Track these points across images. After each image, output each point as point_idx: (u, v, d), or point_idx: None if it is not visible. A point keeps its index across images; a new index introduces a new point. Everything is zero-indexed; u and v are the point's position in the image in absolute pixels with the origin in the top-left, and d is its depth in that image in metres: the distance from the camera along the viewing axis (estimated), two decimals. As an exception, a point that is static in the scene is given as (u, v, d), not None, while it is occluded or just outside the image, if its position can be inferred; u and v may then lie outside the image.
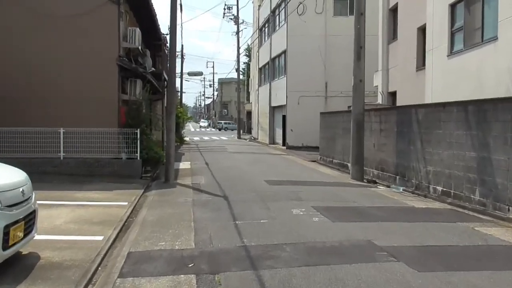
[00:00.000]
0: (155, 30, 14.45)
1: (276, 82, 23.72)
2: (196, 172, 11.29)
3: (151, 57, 14.24)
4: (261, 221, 5.73)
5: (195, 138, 30.44)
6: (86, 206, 6.48)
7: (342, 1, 20.40)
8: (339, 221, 5.77)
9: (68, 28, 9.76)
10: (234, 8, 35.49)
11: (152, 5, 12.38)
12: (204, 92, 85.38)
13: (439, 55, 9.88)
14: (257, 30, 29.64)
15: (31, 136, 9.34)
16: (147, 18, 13.04)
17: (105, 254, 4.37)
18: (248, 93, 40.75)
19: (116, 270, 3.95)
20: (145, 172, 10.21)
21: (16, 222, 3.67)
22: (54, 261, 4.04)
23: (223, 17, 35.42)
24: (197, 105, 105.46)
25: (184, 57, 33.26)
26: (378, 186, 9.44)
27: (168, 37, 13.17)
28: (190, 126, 55.87)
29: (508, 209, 5.92)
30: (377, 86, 14.76)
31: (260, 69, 29.01)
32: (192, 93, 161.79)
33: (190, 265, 4.01)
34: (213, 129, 56.34)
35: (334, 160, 13.36)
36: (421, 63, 11.50)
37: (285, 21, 21.26)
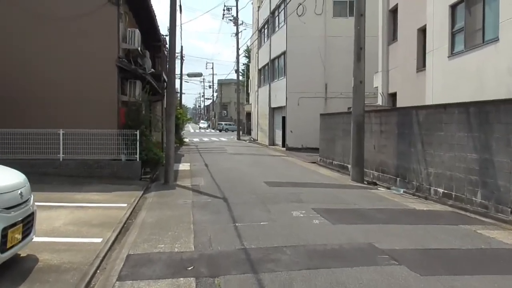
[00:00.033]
0: (155, 31, 14.43)
1: (275, 83, 23.70)
2: (195, 174, 11.25)
3: (151, 58, 14.22)
4: (261, 223, 5.69)
5: (195, 139, 30.41)
6: (85, 208, 6.44)
7: (341, 2, 20.41)
8: (339, 223, 5.74)
9: (67, 29, 9.74)
10: (234, 9, 35.45)
11: (152, 6, 12.36)
12: (203, 93, 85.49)
13: (440, 56, 9.86)
14: (257, 31, 29.64)
15: (30, 137, 9.31)
16: (146, 19, 13.02)
17: (103, 257, 4.33)
18: (248, 94, 40.76)
19: (114, 273, 3.91)
20: (144, 174, 10.17)
21: (14, 224, 3.64)
22: (53, 263, 4.00)
23: (223, 18, 35.43)
24: (197, 106, 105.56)
25: (184, 58, 33.28)
26: (379, 188, 9.40)
27: (167, 38, 13.15)
28: (189, 127, 55.87)
29: (511, 212, 5.88)
30: (377, 87, 14.75)
31: (259, 70, 29.00)
32: (191, 94, 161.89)
33: (190, 268, 3.97)
34: (212, 130, 56.33)
35: (334, 162, 13.33)
36: (422, 64, 11.49)
37: (284, 22, 21.26)
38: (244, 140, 30.05)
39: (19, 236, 3.71)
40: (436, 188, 7.70)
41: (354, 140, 10.26)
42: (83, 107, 9.75)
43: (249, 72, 39.86)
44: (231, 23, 34.80)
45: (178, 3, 11.45)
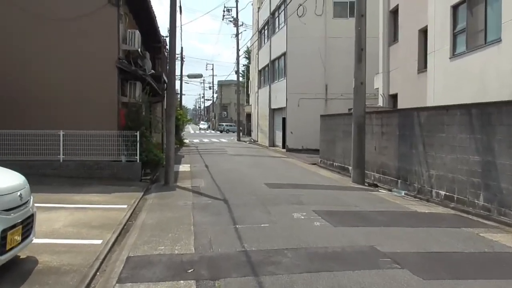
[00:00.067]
0: (155, 32, 14.42)
1: (276, 84, 23.69)
2: (195, 175, 11.22)
3: (151, 59, 14.20)
4: (262, 225, 5.66)
5: (195, 140, 30.40)
6: (85, 209, 6.42)
7: (342, 3, 20.40)
8: (341, 225, 5.71)
9: (67, 30, 9.72)
10: (234, 10, 35.53)
11: (152, 8, 12.35)
12: (203, 94, 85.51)
13: (441, 57, 9.84)
14: (257, 32, 29.65)
15: (31, 138, 9.28)
16: (146, 21, 13.01)
17: (103, 259, 4.31)
18: (248, 95, 40.76)
19: (114, 275, 3.88)
20: (144, 175, 10.14)
21: (14, 226, 3.62)
22: (52, 265, 3.98)
23: (223, 19, 35.46)
24: (197, 107, 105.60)
25: (184, 59, 33.27)
26: (380, 190, 9.37)
27: (167, 40, 13.14)
28: (189, 128, 55.90)
29: (513, 214, 5.85)
30: (377, 88, 14.72)
31: (259, 71, 29.00)
32: (191, 95, 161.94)
33: (190, 271, 3.95)
34: (212, 131, 56.33)
35: (334, 163, 13.29)
36: (423, 65, 11.46)
37: (284, 23, 21.25)
38: (244, 141, 30.03)
39: (18, 238, 3.69)
40: (438, 191, 7.67)
41: (355, 142, 10.23)
42: (83, 108, 9.73)
43: (249, 73, 39.87)
44: (231, 24, 34.84)
45: (178, 4, 11.44)
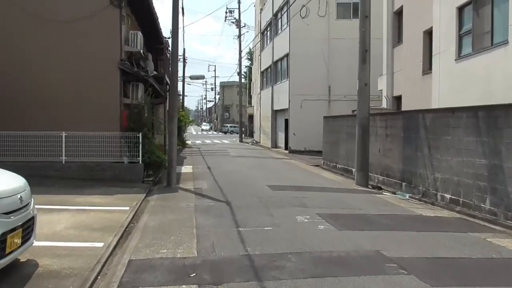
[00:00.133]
0: (157, 33, 14.41)
1: (278, 86, 23.64)
2: (198, 177, 11.17)
3: (153, 60, 14.19)
4: (265, 228, 5.59)
5: (197, 142, 30.38)
6: (87, 211, 6.37)
7: (345, 4, 20.34)
8: (345, 229, 5.63)
9: (69, 32, 9.69)
10: (236, 11, 35.47)
11: (154, 9, 12.33)
12: (205, 95, 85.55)
13: (447, 59, 9.75)
14: (259, 34, 29.62)
15: (33, 139, 9.26)
16: (148, 22, 12.99)
17: (105, 262, 4.25)
18: (250, 97, 40.72)
19: (116, 279, 3.83)
20: (147, 176, 10.10)
21: (14, 229, 3.57)
22: (53, 269, 3.93)
23: (225, 21, 35.54)
24: (199, 109, 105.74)
25: (186, 60, 33.31)
26: (384, 193, 9.28)
27: (170, 41, 13.11)
28: (192, 130, 55.87)
29: (520, 219, 5.75)
30: (381, 90, 14.64)
31: (262, 72, 28.96)
32: (194, 96, 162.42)
33: (192, 275, 3.89)
34: (214, 132, 56.34)
35: (337, 165, 13.21)
36: (428, 67, 11.37)
37: (287, 24, 21.21)
38: (246, 143, 29.98)
39: (18, 241, 3.65)
40: (443, 194, 7.57)
41: (359, 144, 10.15)
42: (85, 109, 9.71)
43: (251, 74, 39.84)
44: (234, 26, 34.84)
45: (180, 5, 11.42)
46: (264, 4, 28.13)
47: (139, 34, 11.13)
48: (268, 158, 18.00)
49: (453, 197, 7.28)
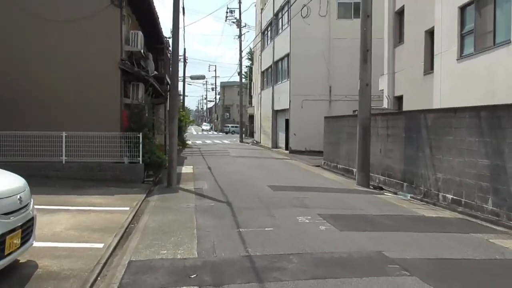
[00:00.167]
0: (158, 33, 14.38)
1: (279, 86, 23.61)
2: (198, 177, 11.14)
3: (154, 60, 14.16)
4: (266, 229, 5.56)
5: (197, 142, 30.36)
6: (87, 212, 6.35)
7: (346, 4, 20.30)
8: (347, 230, 5.60)
9: (70, 31, 9.66)
10: (237, 11, 35.45)
11: (155, 8, 12.29)
12: (206, 95, 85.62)
13: (448, 59, 9.71)
14: (260, 34, 29.60)
15: (33, 139, 9.23)
16: (149, 22, 12.96)
17: (105, 263, 4.22)
18: (251, 97, 40.70)
19: (116, 280, 3.80)
20: (147, 177, 10.07)
21: (13, 230, 3.54)
22: (52, 270, 3.90)
23: (226, 21, 35.52)
24: (199, 109, 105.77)
25: (187, 60, 33.27)
26: (385, 193, 9.24)
27: (170, 41, 13.09)
28: (192, 130, 55.89)
29: (523, 219, 5.71)
30: (382, 90, 14.59)
31: (262, 72, 28.93)
32: (194, 96, 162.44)
33: (193, 276, 3.86)
34: (215, 133, 56.31)
35: (338, 165, 13.17)
36: (429, 67, 11.33)
37: (288, 24, 21.18)
38: (247, 143, 29.96)
39: (18, 242, 3.62)
40: (445, 194, 7.53)
41: (360, 144, 10.11)
42: (85, 109, 9.68)
43: (252, 74, 39.82)
44: (234, 26, 34.86)
45: (181, 5, 11.39)
46: (265, 4, 28.10)
47: (140, 33, 11.10)
48: (269, 159, 17.97)
49: (455, 197, 7.24)
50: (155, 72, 13.65)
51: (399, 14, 13.62)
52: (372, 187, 9.89)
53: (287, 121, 21.39)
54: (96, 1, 9.79)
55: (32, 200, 4.04)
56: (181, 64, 29.60)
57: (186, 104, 42.30)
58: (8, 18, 9.62)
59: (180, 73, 27.22)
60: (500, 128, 6.22)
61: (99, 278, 3.86)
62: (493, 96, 7.66)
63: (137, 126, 10.02)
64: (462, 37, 9.32)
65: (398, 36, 13.68)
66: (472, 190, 6.78)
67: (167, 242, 4.93)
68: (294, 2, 18.42)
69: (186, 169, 13.06)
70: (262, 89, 29.11)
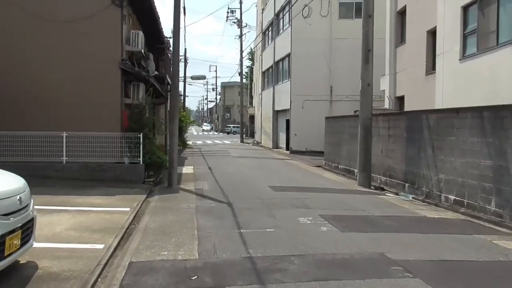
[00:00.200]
0: (158, 33, 14.36)
1: (279, 86, 23.58)
2: (199, 177, 11.11)
3: (154, 60, 14.14)
4: (267, 230, 5.53)
5: (198, 142, 30.35)
6: (87, 212, 6.32)
7: (347, 4, 20.26)
8: (348, 231, 5.56)
9: (70, 31, 9.64)
10: (238, 11, 35.42)
11: (155, 8, 12.27)
12: (207, 96, 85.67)
13: (451, 59, 9.67)
14: (261, 34, 29.57)
15: (33, 140, 9.21)
16: (150, 21, 12.94)
17: (105, 264, 4.20)
18: (251, 97, 40.68)
19: (116, 282, 3.78)
20: (148, 177, 10.05)
21: (13, 231, 3.52)
22: (52, 271, 3.88)
23: (226, 21, 35.38)
24: (200, 109, 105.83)
25: (187, 61, 33.26)
26: (387, 194, 9.20)
27: (171, 41, 13.07)
28: (193, 130, 55.91)
29: (526, 221, 5.66)
30: (383, 90, 14.56)
31: (263, 72, 28.91)
32: (195, 97, 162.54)
33: (194, 278, 3.83)
34: (216, 133, 56.30)
35: (339, 166, 13.13)
36: (431, 67, 11.29)
37: (289, 24, 21.15)
38: (247, 143, 29.94)
39: (18, 243, 3.60)
40: (447, 195, 7.49)
41: (361, 144, 10.07)
42: (85, 109, 9.65)
43: (252, 74, 39.80)
44: (235, 26, 34.78)
45: (182, 5, 11.36)
46: (266, 4, 28.07)
47: (140, 33, 11.07)
48: (269, 159, 17.94)
49: (457, 198, 7.20)
50: (156, 72, 13.62)
51: (401, 14, 13.58)
52: (373, 188, 9.86)
53: (288, 121, 21.36)
54: (97, 1, 9.77)
55: (32, 200, 4.02)
56: (181, 64, 29.63)
57: (186, 104, 42.25)
58: (8, 18, 9.59)
59: (181, 73, 27.24)
60: (503, 129, 6.18)
61: (99, 279, 3.84)
62: (496, 96, 7.61)
63: (137, 126, 10.00)
64: (464, 37, 9.27)
65: (400, 36, 13.64)
66: (475, 191, 6.74)
67: (167, 243, 4.91)
68: (295, 2, 18.37)
69: (187, 169, 13.03)
70: (263, 89, 29.08)
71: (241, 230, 5.46)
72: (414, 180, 8.65)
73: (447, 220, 6.55)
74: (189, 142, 26.35)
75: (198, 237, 5.14)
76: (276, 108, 24.18)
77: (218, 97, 67.67)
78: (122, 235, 5.23)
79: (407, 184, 8.94)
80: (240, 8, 33.88)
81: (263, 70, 28.89)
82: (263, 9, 29.11)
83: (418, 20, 12.04)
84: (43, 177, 8.87)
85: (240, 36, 33.82)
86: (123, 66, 9.86)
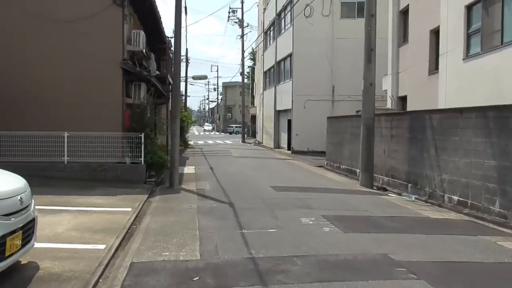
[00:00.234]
0: (160, 33, 14.34)
1: (281, 86, 23.54)
2: (200, 177, 11.09)
3: (156, 60, 14.12)
4: (269, 230, 5.50)
5: (200, 142, 30.34)
6: (89, 212, 6.30)
7: (349, 4, 20.20)
8: (351, 231, 5.52)
9: (71, 31, 9.62)
10: (239, 11, 35.42)
11: (157, 8, 12.24)
12: (208, 96, 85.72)
13: (454, 59, 9.61)
14: (262, 34, 29.54)
15: (35, 140, 9.19)
16: (151, 21, 12.92)
17: (106, 265, 4.18)
18: (253, 97, 40.67)
19: (117, 282, 3.76)
20: (149, 177, 10.03)
21: (14, 231, 3.50)
22: (53, 272, 3.86)
23: (228, 21, 35.44)
24: (201, 109, 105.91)
25: (189, 61, 33.28)
26: (389, 194, 9.16)
27: (172, 41, 13.05)
28: (194, 130, 55.93)
29: (531, 222, 5.61)
30: (386, 90, 14.50)
31: (265, 72, 28.88)
32: (196, 97, 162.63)
33: (195, 279, 3.80)
34: (217, 133, 56.31)
35: (341, 166, 13.09)
36: (434, 67, 11.23)
37: (291, 23, 21.11)
38: (249, 143, 29.92)
39: (19, 244, 3.58)
40: (450, 196, 7.44)
41: (364, 144, 10.03)
42: (86, 109, 9.63)
43: (254, 74, 39.78)
44: (237, 26, 34.79)
45: (183, 5, 11.34)
46: (268, 3, 28.04)
47: (142, 33, 11.05)
48: (271, 159, 17.91)
49: (461, 199, 7.14)
50: (157, 72, 13.61)
51: (404, 14, 13.52)
52: (375, 188, 9.81)
53: (289, 121, 21.32)
54: (98, 0, 9.75)
55: (33, 200, 4.00)
56: (183, 64, 29.61)
57: (188, 104, 42.26)
58: (8, 18, 9.56)
59: (182, 73, 27.22)
60: (508, 129, 6.13)
61: (100, 280, 3.82)
62: (500, 96, 7.55)
63: (139, 126, 9.98)
64: (468, 37, 9.21)
65: (403, 36, 13.58)
66: (479, 192, 6.68)
67: (169, 243, 4.88)
68: (297, 1, 18.32)
69: (188, 169, 13.01)
70: (264, 89, 29.05)
71: (243, 231, 5.43)
72: (417, 180, 8.60)
73: (451, 221, 6.50)
74: (191, 142, 26.35)
75: (200, 237, 5.11)
76: (278, 108, 24.15)
77: (220, 97, 67.70)
78: (124, 236, 5.20)
79: (409, 185, 8.89)
80: (242, 8, 33.91)
81: (264, 70, 28.86)
82: (264, 9, 29.08)
83: (421, 20, 11.98)
84: (45, 177, 8.85)
85: (242, 36, 33.82)
86: (124, 66, 9.84)
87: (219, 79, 67.93)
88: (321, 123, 15.93)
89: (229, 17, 34.79)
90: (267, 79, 28.26)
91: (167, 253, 4.52)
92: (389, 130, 10.03)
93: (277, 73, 24.67)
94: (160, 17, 13.15)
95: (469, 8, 9.16)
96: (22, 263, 3.94)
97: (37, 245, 4.04)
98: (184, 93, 31.54)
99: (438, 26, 10.58)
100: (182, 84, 28.81)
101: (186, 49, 33.45)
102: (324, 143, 15.34)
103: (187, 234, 5.27)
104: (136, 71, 10.33)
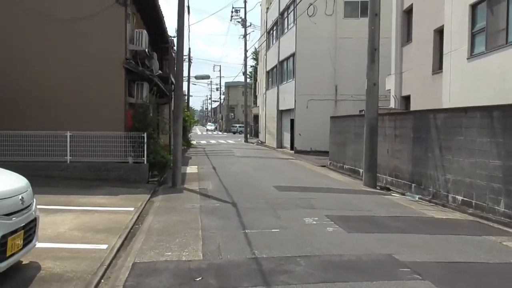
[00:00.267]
0: (162, 32, 14.33)
1: (284, 86, 23.49)
2: (203, 177, 11.07)
3: (158, 60, 14.12)
4: (272, 230, 5.47)
5: (202, 142, 30.35)
6: (91, 212, 6.29)
7: (352, 3, 20.12)
8: (355, 232, 5.48)
9: (74, 31, 9.60)
10: (242, 11, 35.39)
11: (159, 7, 12.24)
12: (211, 95, 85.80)
13: (458, 58, 9.53)
14: (265, 33, 29.50)
15: (37, 139, 9.20)
16: (154, 21, 12.92)
17: (108, 265, 4.16)
18: (255, 97, 40.65)
19: (119, 283, 3.73)
20: (152, 177, 10.02)
21: (15, 231, 3.48)
22: (55, 272, 3.84)
23: (231, 20, 35.48)
24: (204, 109, 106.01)
25: (191, 60, 33.26)
26: (393, 194, 9.10)
27: (175, 40, 13.04)
28: (197, 130, 56.07)
29: (537, 222, 5.53)
30: (389, 90, 14.42)
31: (267, 72, 28.83)
32: (199, 96, 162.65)
33: (198, 279, 3.77)
34: (220, 133, 56.35)
35: (345, 166, 13.03)
36: (438, 66, 11.15)
37: (294, 23, 21.05)
38: (251, 143, 29.89)
39: (20, 243, 3.56)
40: (454, 196, 7.37)
41: (367, 144, 9.97)
42: (89, 108, 9.62)
43: (256, 74, 39.75)
44: (239, 25, 34.75)
45: (186, 4, 11.33)
46: (271, 3, 27.99)
47: (144, 32, 11.05)
48: (274, 159, 17.87)
49: (465, 199, 7.07)
50: (160, 72, 13.60)
51: (407, 13, 13.43)
52: (379, 188, 9.75)
53: (292, 121, 21.27)
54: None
55: (34, 200, 3.98)
56: (185, 64, 29.64)
57: (190, 104, 42.38)
58: (8, 18, 9.55)
59: (185, 73, 27.23)
60: (513, 128, 6.06)
61: (102, 280, 3.80)
62: (505, 95, 7.47)
63: (141, 125, 9.96)
64: (473, 36, 9.13)
65: (406, 35, 13.50)
66: (483, 192, 6.62)
67: (171, 243, 4.86)
68: (300, 1, 18.28)
69: (191, 169, 13.00)
70: (267, 89, 29.01)
71: (246, 231, 5.40)
72: (420, 180, 8.53)
73: (455, 221, 6.44)
74: (193, 142, 26.36)
75: (203, 237, 5.08)
76: (281, 108, 24.10)
77: (222, 96, 67.73)
78: (126, 236, 5.18)
79: (413, 185, 8.82)
80: (245, 8, 33.95)
81: (267, 69, 28.82)
82: (267, 8, 29.03)
83: (425, 19, 11.90)
84: (47, 177, 8.86)
85: (244, 36, 33.79)
86: (127, 65, 9.83)
87: (221, 78, 67.91)
88: (324, 123, 15.88)
89: (232, 16, 34.80)
90: (270, 79, 28.22)
91: (170, 253, 4.50)
92: (392, 130, 9.97)
93: (279, 73, 24.62)
94: (163, 16, 13.14)
95: (473, 6, 9.08)
96: (23, 263, 3.93)
97: (39, 245, 4.02)
98: (186, 93, 31.58)
99: (442, 25, 10.49)
100: (185, 84, 28.88)
101: (189, 48, 33.51)
102: (327, 143, 15.29)
103: (189, 234, 5.25)
104: (139, 70, 10.33)
